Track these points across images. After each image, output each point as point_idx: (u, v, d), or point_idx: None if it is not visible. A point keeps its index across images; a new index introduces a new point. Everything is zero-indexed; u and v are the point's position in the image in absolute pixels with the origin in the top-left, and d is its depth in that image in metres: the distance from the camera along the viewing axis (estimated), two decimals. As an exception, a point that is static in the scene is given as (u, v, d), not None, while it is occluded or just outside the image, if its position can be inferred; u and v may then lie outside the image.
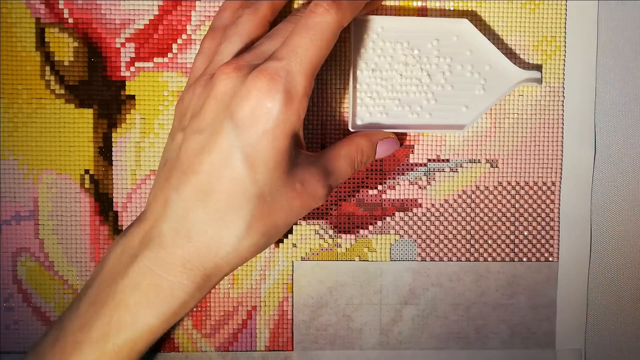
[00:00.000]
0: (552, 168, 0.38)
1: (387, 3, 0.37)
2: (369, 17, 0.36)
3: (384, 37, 0.36)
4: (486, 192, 0.38)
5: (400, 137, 0.38)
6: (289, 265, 0.38)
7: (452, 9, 0.38)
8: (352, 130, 0.37)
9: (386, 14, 0.37)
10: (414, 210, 0.38)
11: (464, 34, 0.37)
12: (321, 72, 0.37)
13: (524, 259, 0.39)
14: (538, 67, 0.38)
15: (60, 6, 0.37)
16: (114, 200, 0.37)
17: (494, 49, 0.37)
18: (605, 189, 0.39)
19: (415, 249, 0.38)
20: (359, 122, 0.37)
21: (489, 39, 0.37)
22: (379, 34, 0.36)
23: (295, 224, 0.38)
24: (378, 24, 0.36)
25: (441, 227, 0.38)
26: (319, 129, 0.38)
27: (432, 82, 0.37)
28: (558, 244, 0.39)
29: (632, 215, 0.39)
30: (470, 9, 0.38)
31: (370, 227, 0.38)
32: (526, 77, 0.37)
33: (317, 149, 0.38)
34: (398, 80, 0.37)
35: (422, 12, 0.38)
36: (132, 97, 0.37)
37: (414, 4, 0.38)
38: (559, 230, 0.38)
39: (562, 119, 0.38)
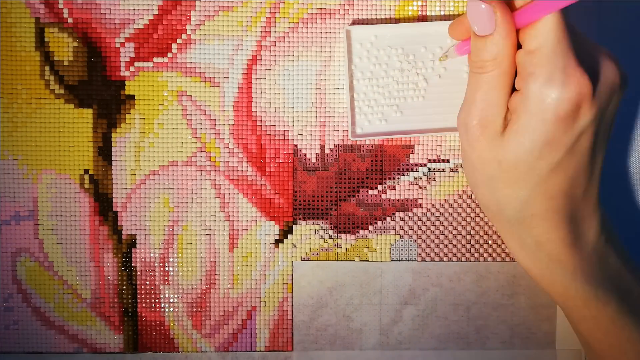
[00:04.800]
0: (552, 168, 0.38)
1: (386, 9, 0.37)
2: (362, 26, 0.36)
3: (378, 45, 0.36)
4: (486, 192, 0.38)
5: (400, 138, 0.38)
6: (289, 265, 0.38)
7: (452, 9, 0.38)
8: (352, 139, 0.37)
9: (382, 23, 0.37)
10: (414, 210, 0.38)
11: None
12: (320, 73, 0.37)
13: (524, 259, 0.38)
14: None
15: (60, 6, 0.37)
16: (114, 200, 0.37)
17: None
18: (606, 188, 0.39)
19: (415, 249, 0.38)
20: (358, 131, 0.37)
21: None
22: (373, 43, 0.36)
23: (295, 223, 0.38)
24: (371, 32, 0.36)
25: (441, 227, 0.38)
26: (318, 130, 0.38)
27: (429, 86, 0.37)
28: (558, 244, 0.38)
29: (633, 215, 0.39)
30: (470, 9, 0.38)
31: (370, 227, 0.38)
32: None
33: (317, 149, 0.38)
34: (395, 87, 0.37)
35: (422, 17, 0.38)
36: (132, 97, 0.37)
37: (415, 4, 0.37)
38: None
39: (562, 119, 0.38)
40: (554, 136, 0.30)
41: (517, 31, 0.30)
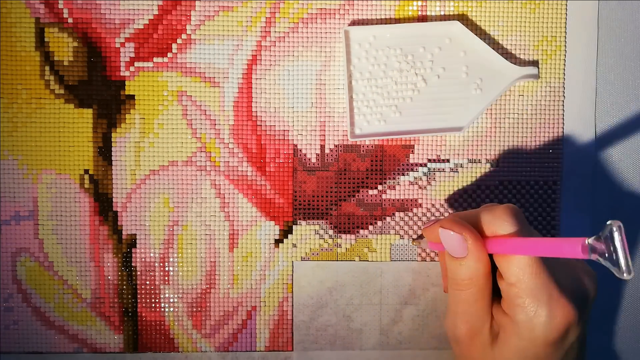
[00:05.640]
0: (552, 167, 0.38)
1: (386, 9, 0.37)
2: (361, 27, 0.36)
3: (377, 45, 0.37)
4: (487, 192, 0.38)
5: (400, 138, 0.38)
6: (289, 265, 0.38)
7: (452, 9, 0.38)
8: (351, 140, 0.37)
9: (382, 23, 0.37)
10: (414, 210, 0.38)
11: (456, 36, 0.37)
12: (320, 73, 0.37)
13: (524, 259, 0.38)
14: (534, 64, 0.38)
15: (60, 6, 0.37)
16: (114, 200, 0.37)
17: (487, 48, 0.37)
18: (606, 188, 0.39)
19: (415, 249, 0.38)
20: (357, 132, 0.37)
21: (487, 39, 0.37)
22: (372, 43, 0.36)
23: (295, 223, 0.38)
24: (370, 33, 0.36)
25: (441, 227, 0.38)
26: (318, 130, 0.38)
27: (427, 86, 0.37)
28: (558, 244, 0.38)
29: (633, 215, 0.39)
30: (470, 9, 0.38)
31: (370, 227, 0.38)
32: (522, 74, 0.37)
33: (317, 149, 0.38)
34: (394, 87, 0.37)
35: (422, 17, 0.38)
36: (132, 97, 0.37)
37: (415, 4, 0.37)
38: (560, 230, 0.38)
39: (562, 119, 0.38)
40: (545, 356, 0.31)
41: (492, 255, 0.31)
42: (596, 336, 0.39)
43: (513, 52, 0.38)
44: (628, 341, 0.40)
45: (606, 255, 0.24)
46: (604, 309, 0.39)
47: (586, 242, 0.24)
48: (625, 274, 0.24)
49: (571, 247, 0.25)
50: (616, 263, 0.24)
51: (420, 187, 0.38)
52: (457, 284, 0.32)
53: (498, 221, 0.30)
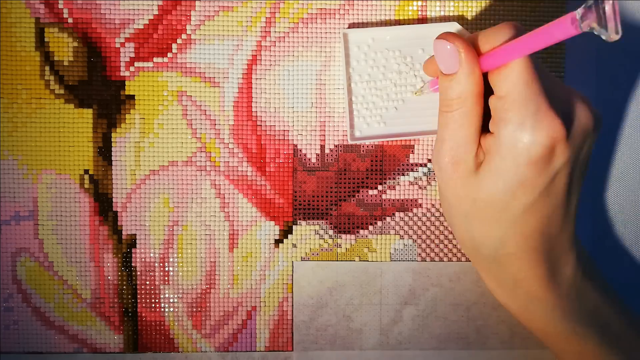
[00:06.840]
0: (552, 168, 0.38)
1: (386, 9, 0.37)
2: (359, 29, 0.36)
3: (375, 47, 0.36)
4: (486, 192, 0.38)
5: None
6: (289, 265, 0.38)
7: (452, 9, 0.38)
8: (351, 142, 0.37)
9: (382, 23, 0.37)
10: (414, 210, 0.38)
11: None
12: (320, 73, 0.37)
13: (524, 259, 0.38)
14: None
15: (60, 6, 0.37)
16: (114, 200, 0.37)
17: None
18: (606, 188, 0.39)
19: (415, 249, 0.38)
20: (357, 134, 0.37)
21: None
22: (370, 45, 0.36)
23: (295, 223, 0.38)
24: (368, 35, 0.36)
25: (441, 227, 0.38)
26: (318, 130, 0.38)
27: (426, 88, 0.37)
28: (558, 244, 0.38)
29: (633, 215, 0.39)
30: (470, 10, 0.38)
31: (370, 227, 0.38)
32: None
33: (317, 149, 0.38)
34: (393, 89, 0.37)
35: (422, 18, 0.38)
36: (132, 97, 0.37)
37: (415, 4, 0.38)
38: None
39: (562, 119, 0.38)
40: (528, 178, 0.30)
41: (487, 74, 0.30)
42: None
43: (513, 52, 0.38)
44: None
45: (596, 20, 0.23)
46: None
47: (576, 14, 0.24)
48: (612, 34, 0.23)
49: (562, 25, 0.24)
50: (605, 25, 0.23)
51: (420, 187, 0.38)
52: (447, 105, 0.31)
53: (496, 30, 0.30)
